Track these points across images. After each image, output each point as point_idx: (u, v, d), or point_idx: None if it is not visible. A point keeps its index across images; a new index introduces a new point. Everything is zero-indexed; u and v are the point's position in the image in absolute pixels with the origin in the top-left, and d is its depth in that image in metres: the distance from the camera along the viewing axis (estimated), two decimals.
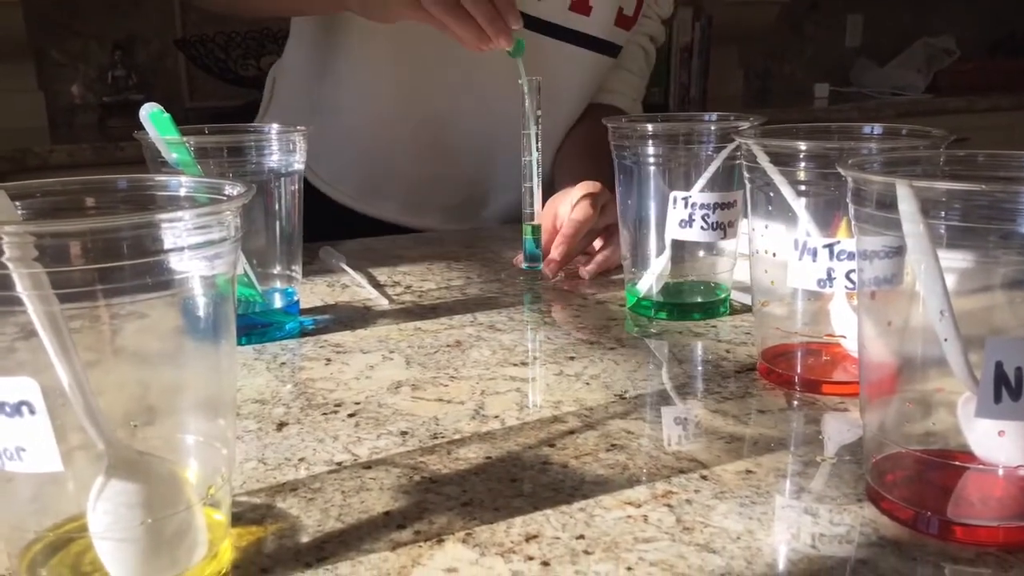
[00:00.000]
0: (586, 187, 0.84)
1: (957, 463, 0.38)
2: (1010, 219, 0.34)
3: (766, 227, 0.54)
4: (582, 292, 0.76)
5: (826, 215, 0.52)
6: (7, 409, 0.32)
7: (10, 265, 0.30)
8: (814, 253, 0.51)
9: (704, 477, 0.43)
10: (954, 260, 0.35)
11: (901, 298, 0.39)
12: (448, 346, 0.62)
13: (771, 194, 0.53)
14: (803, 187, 0.52)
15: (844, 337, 0.53)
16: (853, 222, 0.40)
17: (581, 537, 0.38)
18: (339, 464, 0.45)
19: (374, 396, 0.54)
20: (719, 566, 0.36)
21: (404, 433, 0.49)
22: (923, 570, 0.36)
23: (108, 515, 0.33)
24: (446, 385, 0.55)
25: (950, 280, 0.35)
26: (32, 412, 0.32)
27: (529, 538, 0.38)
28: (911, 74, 2.79)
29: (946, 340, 0.35)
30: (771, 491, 0.42)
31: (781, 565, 0.36)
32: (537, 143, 0.79)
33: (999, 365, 0.34)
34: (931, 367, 0.38)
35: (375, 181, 1.06)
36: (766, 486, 0.42)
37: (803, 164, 0.51)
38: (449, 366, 0.59)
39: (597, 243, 0.83)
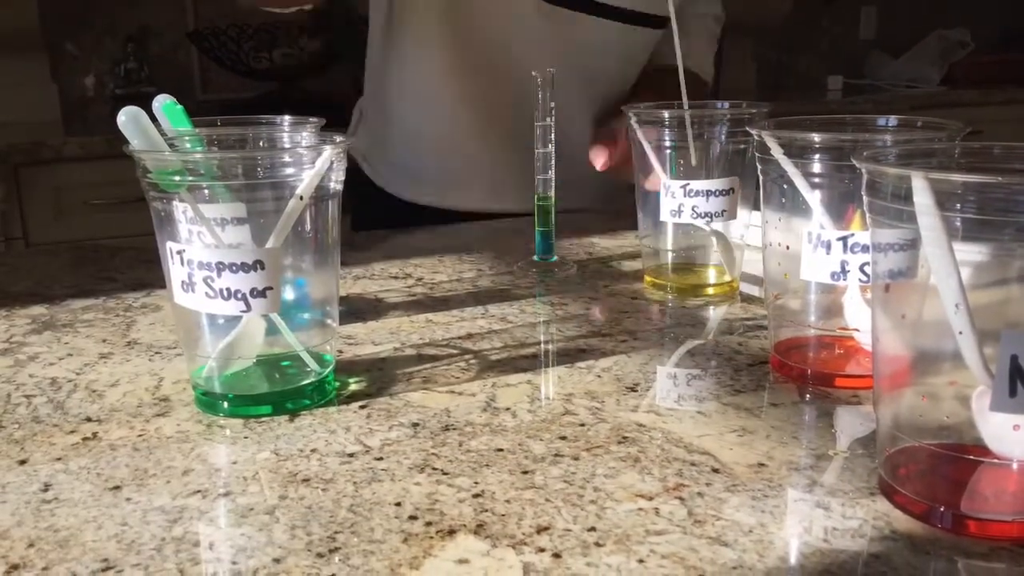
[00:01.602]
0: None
1: (971, 457, 0.38)
2: None
3: (779, 219, 0.54)
4: (594, 284, 0.76)
5: (840, 207, 0.51)
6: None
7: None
8: (828, 246, 0.51)
9: (716, 470, 0.43)
10: (969, 253, 0.35)
11: (915, 291, 0.38)
12: (459, 338, 0.62)
13: (784, 186, 0.53)
14: (817, 179, 0.51)
15: (857, 330, 0.53)
16: (867, 214, 0.40)
17: (592, 529, 0.38)
18: (351, 455, 0.45)
19: (385, 388, 0.54)
20: (731, 559, 0.36)
21: (415, 425, 0.49)
22: (936, 564, 0.36)
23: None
24: (457, 377, 0.55)
25: (965, 273, 0.35)
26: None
27: (540, 530, 0.38)
28: (925, 67, 2.77)
29: (961, 333, 0.35)
30: (783, 484, 0.42)
31: (793, 559, 0.36)
32: (551, 135, 0.78)
33: (1014, 359, 0.34)
34: (945, 360, 0.38)
35: (455, 176, 1.07)
36: (778, 479, 0.42)
37: (817, 156, 0.51)
38: (460, 358, 0.59)
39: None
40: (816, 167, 0.51)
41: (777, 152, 0.52)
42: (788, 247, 0.54)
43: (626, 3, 0.99)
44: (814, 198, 0.51)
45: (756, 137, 0.54)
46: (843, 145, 0.50)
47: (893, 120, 0.55)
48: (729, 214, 0.69)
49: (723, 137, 0.70)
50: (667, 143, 0.70)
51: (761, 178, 0.55)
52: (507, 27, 0.98)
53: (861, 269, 0.50)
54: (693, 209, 0.69)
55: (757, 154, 0.55)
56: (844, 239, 0.50)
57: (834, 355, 0.55)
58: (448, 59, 1.01)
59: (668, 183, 0.69)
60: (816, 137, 0.51)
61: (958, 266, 0.35)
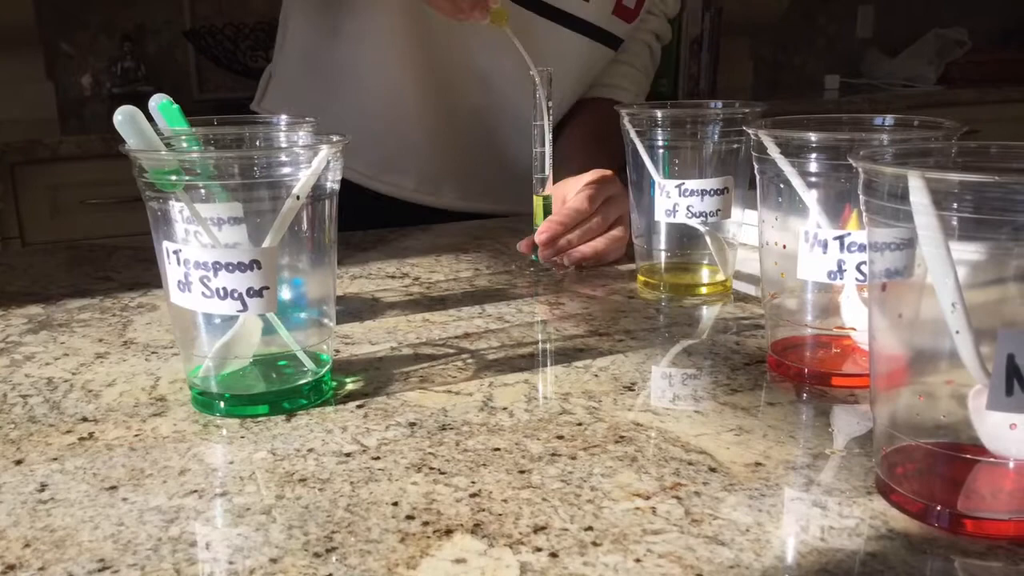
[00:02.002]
0: (594, 175, 0.83)
1: (968, 456, 0.38)
2: (1023, 211, 0.34)
3: (776, 218, 0.54)
4: (591, 284, 0.76)
5: (836, 206, 0.51)
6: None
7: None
8: (824, 245, 0.51)
9: (713, 469, 0.43)
10: (966, 252, 0.35)
11: (912, 290, 0.38)
12: (456, 338, 0.62)
13: (781, 185, 0.53)
14: (813, 178, 0.51)
15: (854, 329, 0.53)
16: (864, 213, 0.40)
17: (590, 529, 0.38)
18: (348, 455, 0.45)
19: (382, 387, 0.54)
20: (728, 558, 0.36)
21: (412, 424, 0.49)
22: (933, 563, 0.36)
23: None
24: (454, 376, 0.55)
25: (962, 272, 0.35)
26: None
27: (537, 529, 0.38)
28: (922, 65, 2.77)
29: (957, 332, 0.35)
30: (780, 483, 0.42)
31: (790, 558, 0.36)
32: (549, 134, 0.78)
33: (1011, 358, 0.34)
34: (942, 359, 0.37)
35: (388, 155, 1.04)
36: (775, 478, 0.42)
37: (814, 155, 0.51)
38: (457, 358, 0.59)
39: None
40: (812, 166, 0.51)
41: (774, 151, 0.52)
42: (785, 246, 0.54)
43: (590, 17, 0.98)
44: (811, 197, 0.51)
45: (753, 136, 0.54)
46: (839, 144, 0.50)
47: (890, 119, 0.55)
48: (724, 213, 0.69)
49: (716, 136, 0.70)
50: (660, 143, 0.70)
51: (758, 177, 0.55)
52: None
53: (858, 268, 0.50)
54: (688, 209, 0.69)
55: (754, 153, 0.55)
56: (841, 238, 0.50)
57: (831, 354, 0.55)
58: (404, 30, 0.98)
59: (663, 183, 0.69)
60: (813, 136, 0.51)
61: (955, 265, 0.35)
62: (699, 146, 0.70)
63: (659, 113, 0.70)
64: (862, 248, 0.50)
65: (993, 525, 0.37)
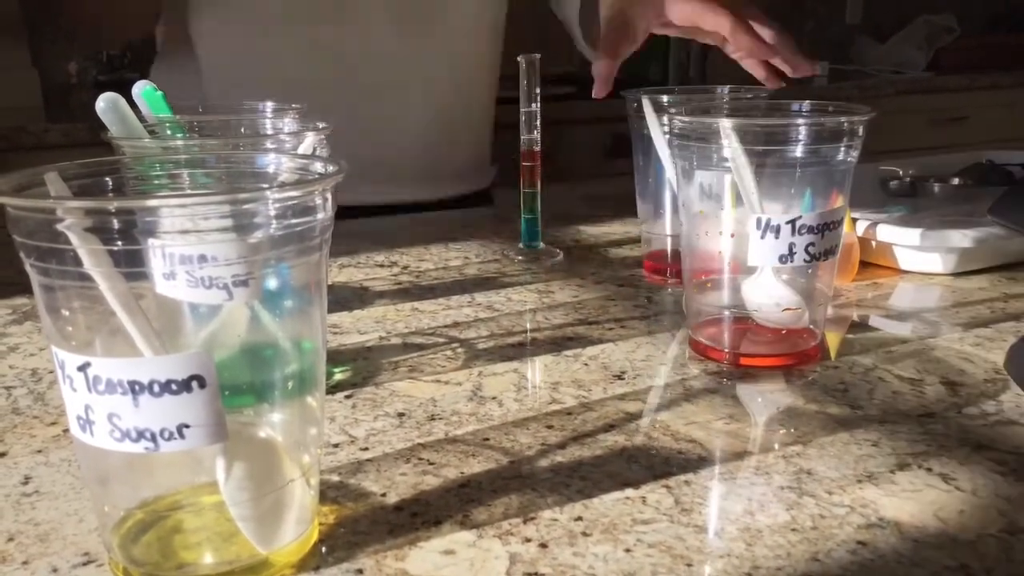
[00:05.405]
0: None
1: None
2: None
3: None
4: (581, 272, 0.75)
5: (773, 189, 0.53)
6: (173, 387, 0.30)
7: (74, 240, 0.30)
8: (777, 230, 0.50)
9: (703, 458, 0.43)
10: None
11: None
12: (446, 327, 0.62)
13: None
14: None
15: (757, 311, 0.55)
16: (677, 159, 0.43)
17: (579, 519, 0.38)
18: (336, 446, 0.45)
19: (371, 377, 0.54)
20: (718, 547, 0.36)
21: (401, 415, 0.48)
22: (921, 551, 0.36)
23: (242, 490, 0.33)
24: (443, 366, 0.55)
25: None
26: (203, 386, 0.30)
27: (527, 520, 0.38)
28: (911, 52, 2.77)
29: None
30: (770, 472, 0.42)
31: (780, 546, 0.36)
32: (536, 121, 0.78)
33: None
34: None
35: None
36: (765, 467, 0.42)
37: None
38: (447, 347, 0.58)
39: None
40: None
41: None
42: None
43: None
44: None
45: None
46: (755, 128, 0.52)
47: (807, 105, 0.56)
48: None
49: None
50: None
51: (679, 163, 0.56)
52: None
53: (805, 250, 0.50)
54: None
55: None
56: (792, 222, 0.50)
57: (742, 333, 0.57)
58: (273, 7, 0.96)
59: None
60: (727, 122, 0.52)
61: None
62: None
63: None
64: (811, 230, 0.50)
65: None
